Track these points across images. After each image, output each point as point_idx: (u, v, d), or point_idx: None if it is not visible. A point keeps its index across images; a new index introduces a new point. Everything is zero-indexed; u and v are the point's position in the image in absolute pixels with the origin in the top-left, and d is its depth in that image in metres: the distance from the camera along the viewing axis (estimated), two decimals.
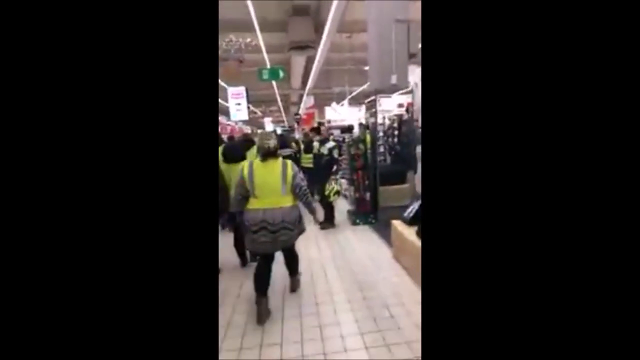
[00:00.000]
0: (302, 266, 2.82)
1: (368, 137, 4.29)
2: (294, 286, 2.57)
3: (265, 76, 8.54)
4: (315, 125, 6.38)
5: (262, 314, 2.19)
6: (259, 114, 19.39)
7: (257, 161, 2.16)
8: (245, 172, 2.11)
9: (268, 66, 8.77)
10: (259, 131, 13.97)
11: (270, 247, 2.16)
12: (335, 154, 4.11)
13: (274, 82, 12.08)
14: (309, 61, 9.52)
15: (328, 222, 4.14)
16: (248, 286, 2.63)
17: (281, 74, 8.50)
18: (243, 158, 2.99)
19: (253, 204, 2.12)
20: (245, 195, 2.12)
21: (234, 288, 2.69)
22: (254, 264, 2.42)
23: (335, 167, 4.09)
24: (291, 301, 2.43)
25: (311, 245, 3.55)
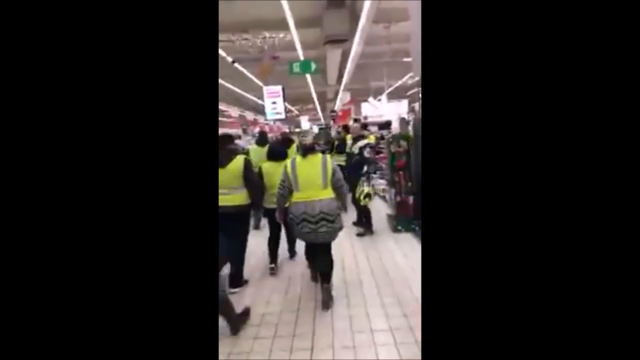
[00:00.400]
0: (336, 279, 2.57)
1: (411, 133, 3.90)
2: (326, 299, 2.34)
3: (297, 69, 7.88)
4: (351, 121, 6.08)
5: (315, 275, 2.57)
6: (295, 112, 19.43)
7: (299, 157, 2.37)
8: (289, 168, 2.33)
9: None
10: (296, 130, 14.05)
11: (313, 237, 2.33)
12: (367, 153, 3.72)
13: (309, 80, 11.92)
14: (345, 56, 9.19)
15: (365, 227, 3.83)
16: (275, 304, 2.45)
17: (313, 66, 7.87)
18: (286, 156, 3.00)
19: (295, 197, 2.32)
20: (290, 189, 2.32)
21: (260, 306, 2.44)
22: (275, 273, 2.90)
23: (365, 168, 3.68)
24: (323, 325, 2.15)
25: (346, 254, 3.26)
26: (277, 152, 3.04)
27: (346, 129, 4.66)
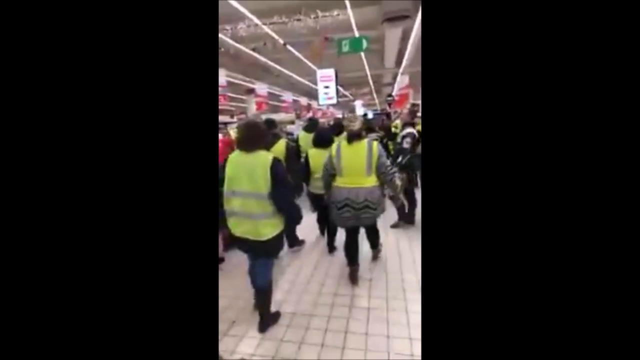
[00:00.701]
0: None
1: None
2: (375, 255, 2.84)
3: (346, 48, 6.92)
4: (408, 107, 5.58)
5: (354, 276, 2.50)
6: (350, 97, 18.94)
7: (344, 142, 2.32)
8: (333, 152, 2.33)
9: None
10: (347, 115, 13.69)
11: (353, 222, 2.34)
12: (405, 143, 3.37)
13: (365, 63, 11.36)
14: (405, 36, 8.46)
15: (399, 219, 3.60)
16: (305, 302, 2.30)
17: (364, 44, 6.95)
18: (331, 142, 2.95)
19: (338, 182, 2.31)
20: (332, 173, 2.33)
21: (290, 304, 2.36)
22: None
23: (400, 158, 3.34)
24: (356, 326, 1.93)
25: (390, 247, 2.96)
26: (322, 138, 2.97)
27: (389, 116, 4.27)
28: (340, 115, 13.65)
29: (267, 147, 2.55)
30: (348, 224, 2.36)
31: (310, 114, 12.43)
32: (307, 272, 2.78)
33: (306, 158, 2.97)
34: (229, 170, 1.79)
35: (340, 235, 3.02)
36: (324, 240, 3.28)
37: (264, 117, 5.22)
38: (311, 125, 4.07)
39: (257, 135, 1.84)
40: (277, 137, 2.91)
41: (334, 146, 2.37)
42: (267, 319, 2.01)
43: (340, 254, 2.95)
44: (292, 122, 10.74)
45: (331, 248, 3.13)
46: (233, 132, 4.18)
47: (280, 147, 2.80)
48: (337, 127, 4.24)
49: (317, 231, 3.42)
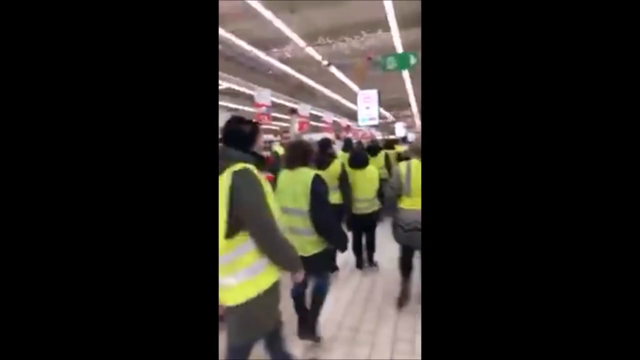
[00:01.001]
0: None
1: None
2: None
3: (391, 65, 6.24)
4: None
5: (402, 296, 2.42)
6: (391, 118, 18.78)
7: (416, 161, 2.24)
8: (403, 170, 2.25)
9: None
10: (390, 137, 13.45)
11: (419, 244, 2.22)
12: None
13: (408, 84, 11.24)
14: None
15: None
16: (363, 288, 2.34)
17: (413, 60, 6.32)
18: (366, 163, 3.05)
19: (407, 204, 2.22)
20: (398, 193, 2.27)
21: (348, 290, 2.41)
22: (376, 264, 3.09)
23: None
24: None
25: None
26: (358, 158, 3.05)
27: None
28: (379, 137, 13.48)
29: (322, 167, 2.62)
30: (415, 245, 2.27)
31: (350, 135, 12.44)
32: (338, 311, 2.48)
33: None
34: (279, 187, 1.89)
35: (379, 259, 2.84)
36: (359, 273, 3.09)
37: (306, 136, 5.30)
38: (347, 146, 4.11)
39: (297, 154, 1.91)
40: (332, 157, 2.87)
41: (403, 165, 2.28)
42: (310, 326, 2.00)
43: (384, 269, 2.74)
44: (334, 143, 10.81)
45: (371, 262, 3.14)
46: (278, 149, 4.46)
47: (336, 167, 2.79)
48: (373, 149, 4.19)
49: (351, 259, 3.20)
